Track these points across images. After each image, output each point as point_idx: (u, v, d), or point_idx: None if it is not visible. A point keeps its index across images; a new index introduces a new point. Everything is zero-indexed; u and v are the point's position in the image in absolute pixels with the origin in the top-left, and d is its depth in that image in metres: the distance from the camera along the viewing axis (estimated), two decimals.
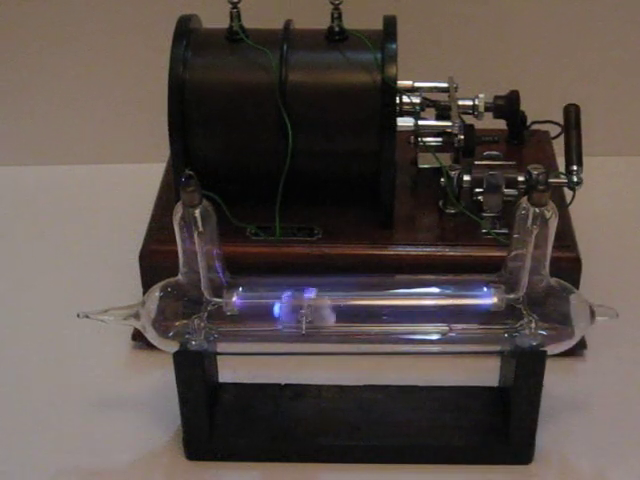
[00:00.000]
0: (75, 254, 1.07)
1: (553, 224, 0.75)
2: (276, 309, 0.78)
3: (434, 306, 0.79)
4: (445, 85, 1.00)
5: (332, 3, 0.91)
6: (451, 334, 0.79)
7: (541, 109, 1.04)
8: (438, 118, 0.98)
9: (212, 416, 0.84)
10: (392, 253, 0.91)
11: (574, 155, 0.94)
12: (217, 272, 0.79)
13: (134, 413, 0.88)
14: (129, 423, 0.87)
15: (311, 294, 0.79)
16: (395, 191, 0.93)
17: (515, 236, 0.77)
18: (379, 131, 0.90)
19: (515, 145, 1.04)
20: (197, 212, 0.75)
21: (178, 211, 0.76)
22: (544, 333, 0.78)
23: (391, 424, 0.84)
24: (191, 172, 0.74)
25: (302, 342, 0.79)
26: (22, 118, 1.22)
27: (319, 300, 0.79)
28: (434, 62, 1.16)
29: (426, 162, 0.98)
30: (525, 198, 0.75)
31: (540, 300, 0.79)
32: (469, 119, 0.99)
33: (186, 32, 0.92)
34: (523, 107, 1.01)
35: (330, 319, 0.78)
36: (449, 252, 0.91)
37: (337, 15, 0.92)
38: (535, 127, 1.06)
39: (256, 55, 0.91)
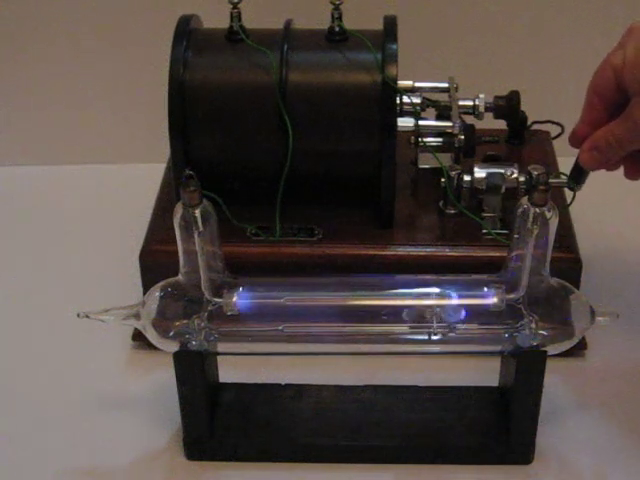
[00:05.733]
0: (75, 254, 1.07)
1: (553, 224, 0.75)
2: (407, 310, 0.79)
3: (434, 306, 0.79)
4: (445, 85, 1.00)
5: (332, 3, 0.91)
6: (451, 334, 0.79)
7: (541, 109, 1.04)
8: (438, 118, 0.98)
9: (212, 416, 0.84)
10: (392, 253, 0.91)
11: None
12: (217, 272, 0.79)
13: (134, 413, 0.88)
14: (129, 423, 0.87)
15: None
16: (395, 191, 0.93)
17: (515, 236, 0.77)
18: (379, 131, 0.90)
19: (515, 145, 1.04)
20: (197, 212, 0.75)
21: (178, 211, 0.76)
22: (544, 333, 0.78)
23: (391, 424, 0.84)
24: (191, 172, 0.74)
25: (429, 344, 0.79)
26: (22, 118, 1.22)
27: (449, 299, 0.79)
28: (434, 62, 1.16)
29: (426, 162, 0.98)
30: (525, 198, 0.75)
31: (540, 300, 0.79)
32: (469, 119, 0.99)
33: (186, 32, 0.92)
34: (523, 107, 1.01)
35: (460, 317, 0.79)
36: (449, 252, 0.91)
37: (337, 15, 0.92)
38: (535, 127, 1.06)
39: (256, 55, 0.91)
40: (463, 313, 0.79)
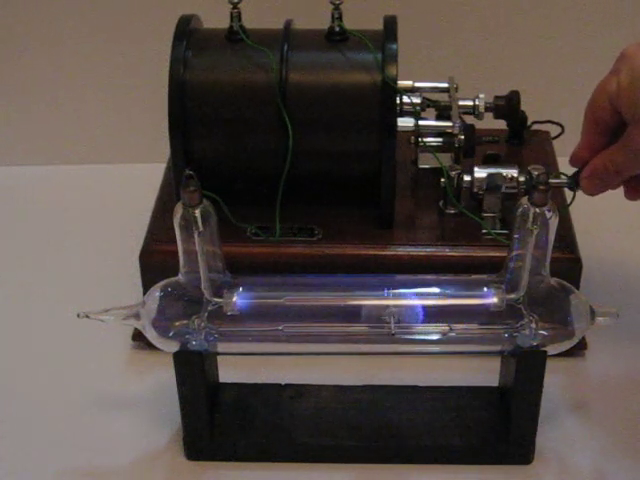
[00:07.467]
0: (75, 254, 1.07)
1: (553, 224, 0.75)
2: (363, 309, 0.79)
3: (434, 306, 0.80)
4: (445, 85, 1.00)
5: (332, 3, 0.91)
6: (451, 334, 0.79)
7: (541, 109, 1.05)
8: (438, 118, 0.98)
9: (212, 416, 0.84)
10: (392, 253, 0.91)
11: None
12: (217, 272, 0.79)
13: (134, 413, 0.88)
14: (129, 423, 0.87)
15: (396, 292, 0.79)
16: (395, 191, 0.93)
17: (515, 236, 0.77)
18: (379, 131, 0.90)
19: (515, 145, 1.04)
20: (197, 212, 0.75)
21: (178, 211, 0.76)
22: (544, 333, 0.78)
23: (391, 424, 0.84)
24: (191, 172, 0.74)
25: (388, 343, 0.79)
26: (22, 118, 1.22)
27: (405, 299, 0.79)
28: (434, 62, 1.16)
29: (426, 162, 0.98)
30: (525, 198, 0.75)
31: (540, 300, 0.79)
32: (469, 119, 0.99)
33: (186, 32, 0.92)
34: (523, 107, 1.01)
35: (418, 318, 0.79)
36: (449, 252, 0.91)
37: (337, 15, 0.92)
38: (535, 127, 1.06)
39: (256, 55, 0.91)
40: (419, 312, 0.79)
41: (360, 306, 0.79)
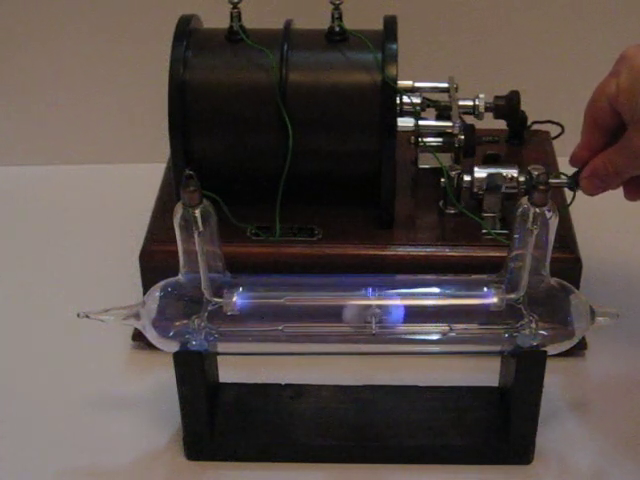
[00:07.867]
0: (75, 254, 1.07)
1: (554, 224, 0.75)
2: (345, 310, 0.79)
3: (434, 306, 0.80)
4: (445, 85, 1.00)
5: (332, 3, 0.91)
6: (451, 334, 0.79)
7: (541, 109, 1.05)
8: (438, 118, 0.98)
9: (212, 416, 0.84)
10: (392, 253, 0.91)
11: None
12: (217, 272, 0.79)
13: (134, 413, 0.88)
14: (129, 423, 0.87)
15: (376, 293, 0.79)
16: (395, 191, 0.93)
17: (515, 236, 0.77)
18: (379, 131, 0.90)
19: (515, 145, 1.04)
20: (197, 212, 0.75)
21: (178, 211, 0.76)
22: (544, 333, 0.78)
23: (391, 424, 0.84)
24: (191, 172, 0.74)
25: (370, 343, 0.79)
26: (22, 118, 1.22)
27: (388, 299, 0.79)
28: (434, 62, 1.16)
29: (426, 162, 0.98)
30: (525, 198, 0.75)
31: (540, 300, 0.79)
32: (469, 119, 0.99)
33: (186, 32, 0.92)
34: (523, 107, 1.01)
35: (399, 318, 0.79)
36: (449, 252, 0.91)
37: (337, 15, 0.92)
38: (535, 127, 1.06)
39: (256, 55, 0.91)
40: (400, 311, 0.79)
41: (360, 306, 0.79)
